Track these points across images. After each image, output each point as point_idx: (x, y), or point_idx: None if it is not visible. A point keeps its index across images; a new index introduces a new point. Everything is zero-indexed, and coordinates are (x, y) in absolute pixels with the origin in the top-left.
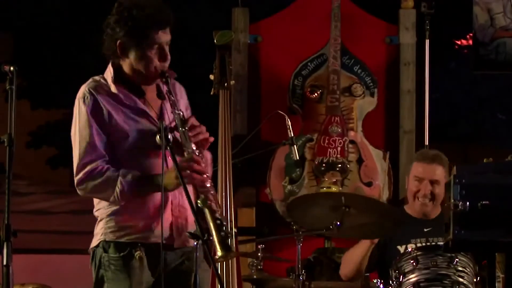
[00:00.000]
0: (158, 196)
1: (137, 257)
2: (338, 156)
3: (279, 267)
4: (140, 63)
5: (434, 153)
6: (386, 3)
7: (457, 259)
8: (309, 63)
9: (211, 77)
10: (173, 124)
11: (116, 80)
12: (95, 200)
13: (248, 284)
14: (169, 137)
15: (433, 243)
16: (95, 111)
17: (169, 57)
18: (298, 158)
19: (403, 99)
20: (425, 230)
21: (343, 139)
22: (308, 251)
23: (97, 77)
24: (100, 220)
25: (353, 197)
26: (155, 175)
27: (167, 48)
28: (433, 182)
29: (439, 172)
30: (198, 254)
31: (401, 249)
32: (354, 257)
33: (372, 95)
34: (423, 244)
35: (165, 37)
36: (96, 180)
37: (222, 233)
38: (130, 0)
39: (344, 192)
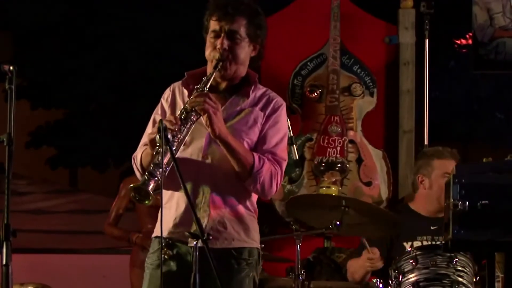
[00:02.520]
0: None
1: None
2: (338, 155)
3: (279, 267)
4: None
5: (450, 150)
6: (386, 2)
7: (457, 259)
8: (308, 63)
9: None
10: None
11: None
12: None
13: None
14: (168, 136)
15: (438, 242)
16: None
17: (219, 46)
18: (297, 157)
19: (402, 98)
20: (432, 228)
21: (343, 139)
22: (307, 251)
23: None
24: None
25: (352, 201)
26: None
27: (222, 38)
28: None
29: None
30: (197, 253)
31: (407, 245)
32: (357, 276)
33: (371, 94)
34: (429, 242)
35: (214, 25)
36: None
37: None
38: None
39: (343, 195)
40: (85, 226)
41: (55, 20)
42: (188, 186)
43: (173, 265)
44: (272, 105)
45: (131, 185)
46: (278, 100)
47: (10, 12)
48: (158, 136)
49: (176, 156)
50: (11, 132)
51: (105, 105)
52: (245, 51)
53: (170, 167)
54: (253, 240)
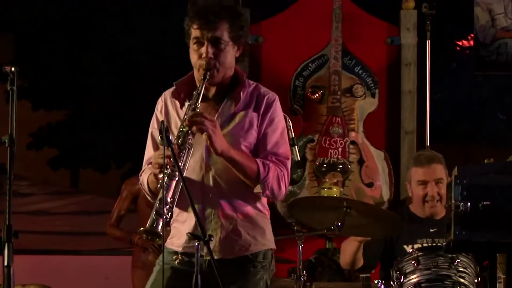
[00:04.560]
0: None
1: None
2: (339, 157)
3: (281, 268)
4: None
5: (429, 154)
6: (387, 3)
7: (458, 260)
8: (310, 64)
9: None
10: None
11: None
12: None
13: None
14: (170, 138)
15: (439, 244)
16: None
17: (204, 55)
18: (299, 159)
19: (404, 99)
20: (431, 230)
21: (344, 140)
22: (309, 252)
23: None
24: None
25: (353, 202)
26: None
27: (206, 47)
28: (437, 182)
29: (439, 170)
30: (199, 254)
31: (407, 248)
32: (347, 251)
33: (373, 95)
34: (429, 244)
35: (195, 33)
36: None
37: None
38: None
39: (345, 197)
40: (86, 227)
41: (57, 22)
42: (195, 200)
43: (187, 270)
44: (264, 102)
45: (141, 229)
46: (270, 95)
47: (11, 13)
48: (160, 137)
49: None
50: (12, 133)
51: (107, 106)
52: (231, 55)
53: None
54: (269, 241)
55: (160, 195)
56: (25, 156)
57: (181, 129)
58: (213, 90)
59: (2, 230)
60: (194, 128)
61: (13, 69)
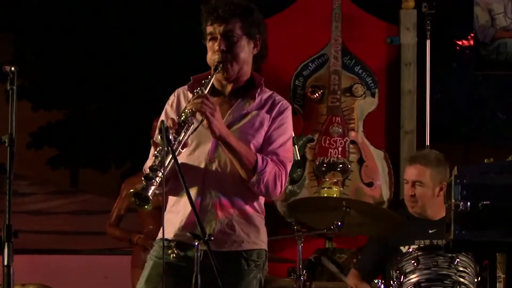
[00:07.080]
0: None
1: None
2: (339, 156)
3: (280, 267)
4: None
5: (416, 154)
6: (387, 3)
7: (458, 259)
8: (310, 64)
9: None
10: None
11: None
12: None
13: None
14: (170, 137)
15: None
16: None
17: (216, 48)
18: (299, 158)
19: (404, 99)
20: (430, 231)
21: (344, 140)
22: (309, 251)
23: None
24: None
25: (353, 202)
26: None
27: (219, 41)
28: (414, 183)
29: (418, 172)
30: (199, 254)
31: (405, 250)
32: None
33: (373, 95)
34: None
35: (209, 29)
36: None
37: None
38: None
39: (344, 196)
40: (86, 226)
41: (57, 21)
42: (195, 190)
43: (181, 265)
44: (278, 107)
45: (131, 190)
46: (284, 103)
47: (11, 12)
48: (159, 136)
49: (182, 161)
50: (12, 133)
51: (106, 106)
52: (245, 50)
53: (169, 167)
54: (262, 241)
55: (153, 162)
56: (25, 156)
57: (185, 110)
58: (229, 87)
59: (2, 229)
60: (194, 108)
61: (12, 68)
